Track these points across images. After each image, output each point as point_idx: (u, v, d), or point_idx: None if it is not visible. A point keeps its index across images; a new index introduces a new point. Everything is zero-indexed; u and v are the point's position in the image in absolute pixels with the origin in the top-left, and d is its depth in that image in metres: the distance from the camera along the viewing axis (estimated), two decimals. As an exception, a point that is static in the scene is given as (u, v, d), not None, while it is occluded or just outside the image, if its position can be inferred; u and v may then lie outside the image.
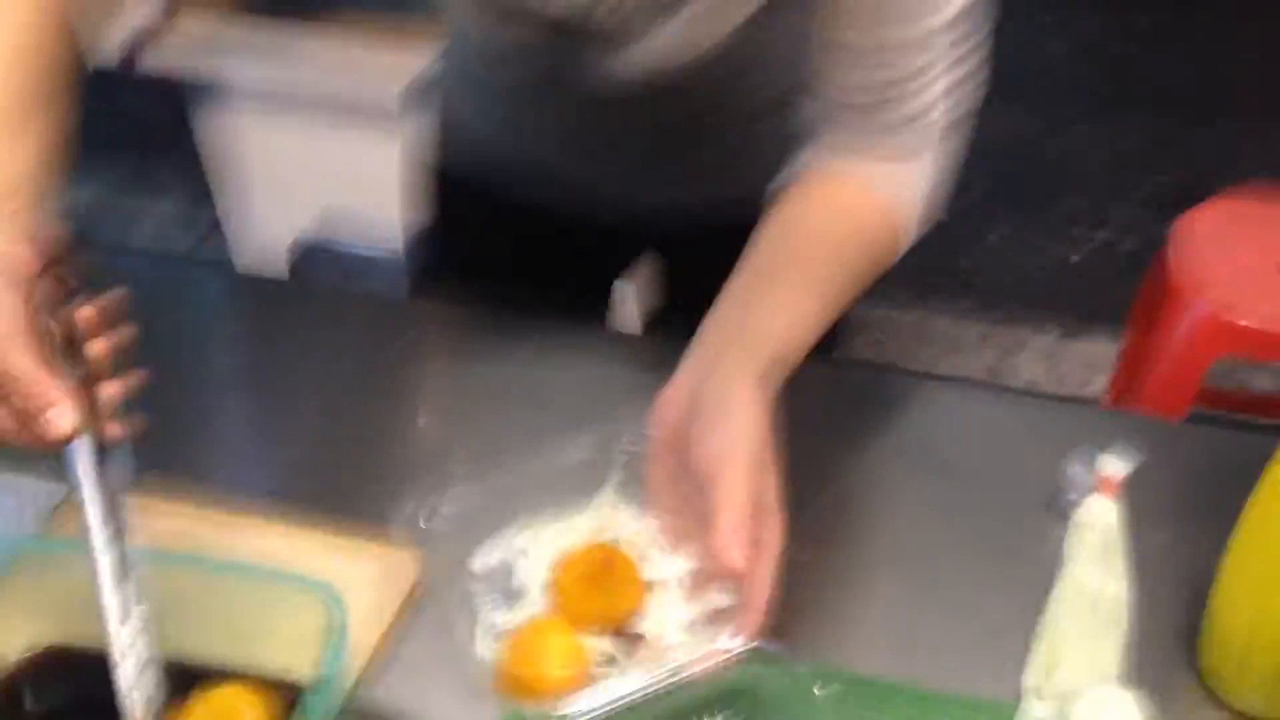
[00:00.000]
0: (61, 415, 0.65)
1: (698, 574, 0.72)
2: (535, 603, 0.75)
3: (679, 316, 0.79)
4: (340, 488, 0.89)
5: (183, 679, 0.73)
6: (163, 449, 0.92)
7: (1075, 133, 2.57)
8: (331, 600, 0.68)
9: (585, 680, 0.70)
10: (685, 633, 0.72)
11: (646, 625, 0.73)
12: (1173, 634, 0.79)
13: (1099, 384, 2.29)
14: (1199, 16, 2.36)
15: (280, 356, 1.03)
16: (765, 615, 0.68)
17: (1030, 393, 2.20)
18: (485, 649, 0.73)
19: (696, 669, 0.68)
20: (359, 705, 0.76)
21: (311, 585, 0.70)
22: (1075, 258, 2.55)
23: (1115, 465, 0.83)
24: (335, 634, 0.67)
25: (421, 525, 0.80)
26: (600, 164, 1.02)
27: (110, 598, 0.67)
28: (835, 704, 0.74)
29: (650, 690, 0.68)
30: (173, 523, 0.86)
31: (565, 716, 0.67)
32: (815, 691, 0.69)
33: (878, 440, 0.94)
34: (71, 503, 0.87)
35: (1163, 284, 1.73)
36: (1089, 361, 2.37)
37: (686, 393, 0.72)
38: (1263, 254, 1.70)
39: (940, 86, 0.80)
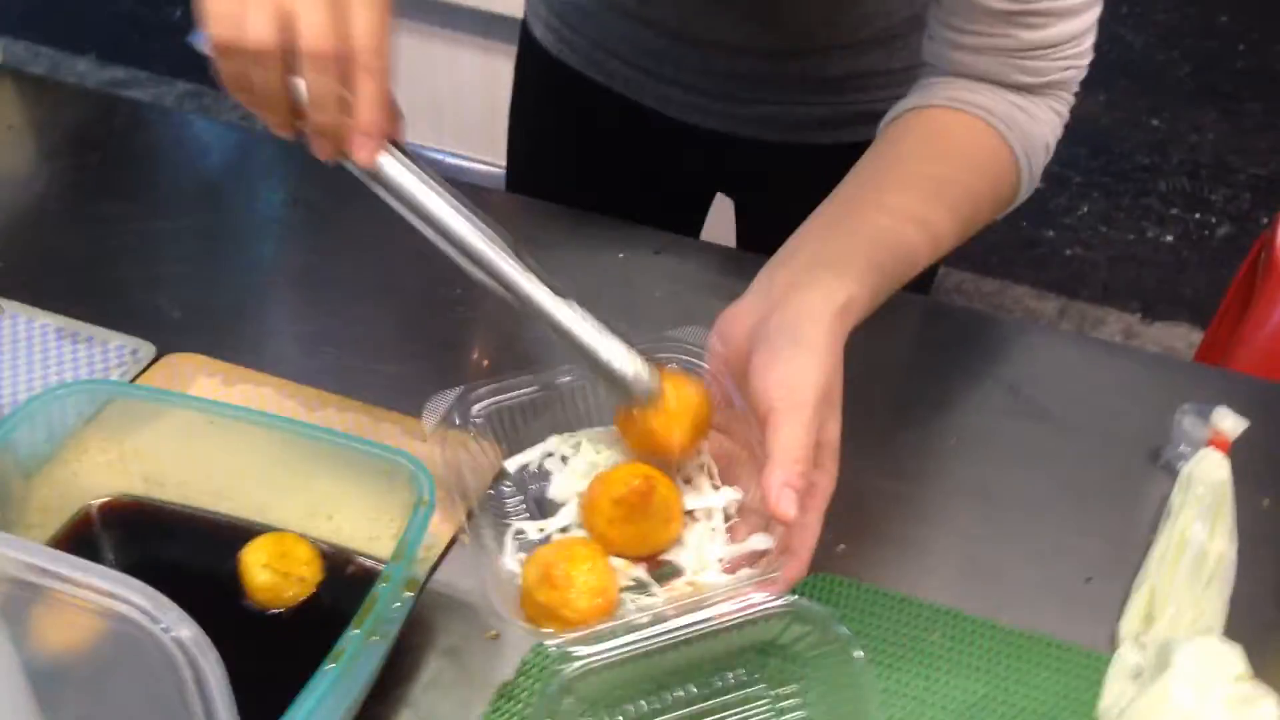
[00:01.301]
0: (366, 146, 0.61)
1: (743, 511, 0.68)
2: (567, 517, 0.70)
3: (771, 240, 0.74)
4: (405, 377, 0.88)
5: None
6: (231, 334, 0.92)
7: (1164, 118, 2.52)
8: (420, 473, 0.67)
9: (612, 610, 0.64)
10: (723, 572, 0.66)
11: (683, 557, 0.67)
12: (1273, 595, 0.76)
13: (1177, 368, 2.24)
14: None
15: (366, 243, 1.02)
16: (809, 562, 0.63)
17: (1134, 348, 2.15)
18: (513, 561, 0.67)
19: (730, 618, 0.63)
20: (433, 588, 0.75)
21: (400, 457, 0.68)
22: (1167, 238, 2.50)
23: (1230, 421, 0.80)
24: (422, 507, 0.66)
25: (473, 420, 0.74)
26: (709, 61, 0.98)
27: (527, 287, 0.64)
28: (876, 667, 0.72)
29: (677, 636, 0.63)
30: (259, 395, 0.85)
31: (583, 656, 0.62)
32: (854, 654, 0.64)
33: (974, 382, 0.92)
34: (161, 361, 0.87)
35: (1268, 263, 1.67)
36: (1167, 345, 2.32)
37: (755, 313, 0.67)
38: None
39: (1093, 14, 0.75)
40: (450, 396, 0.72)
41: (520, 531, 0.69)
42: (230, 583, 0.70)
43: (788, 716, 0.67)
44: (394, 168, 0.63)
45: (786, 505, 0.60)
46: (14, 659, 0.44)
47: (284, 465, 0.72)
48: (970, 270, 2.44)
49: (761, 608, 0.64)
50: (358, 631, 0.60)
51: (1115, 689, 0.69)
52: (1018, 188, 0.78)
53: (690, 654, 0.65)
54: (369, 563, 0.72)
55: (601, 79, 1.05)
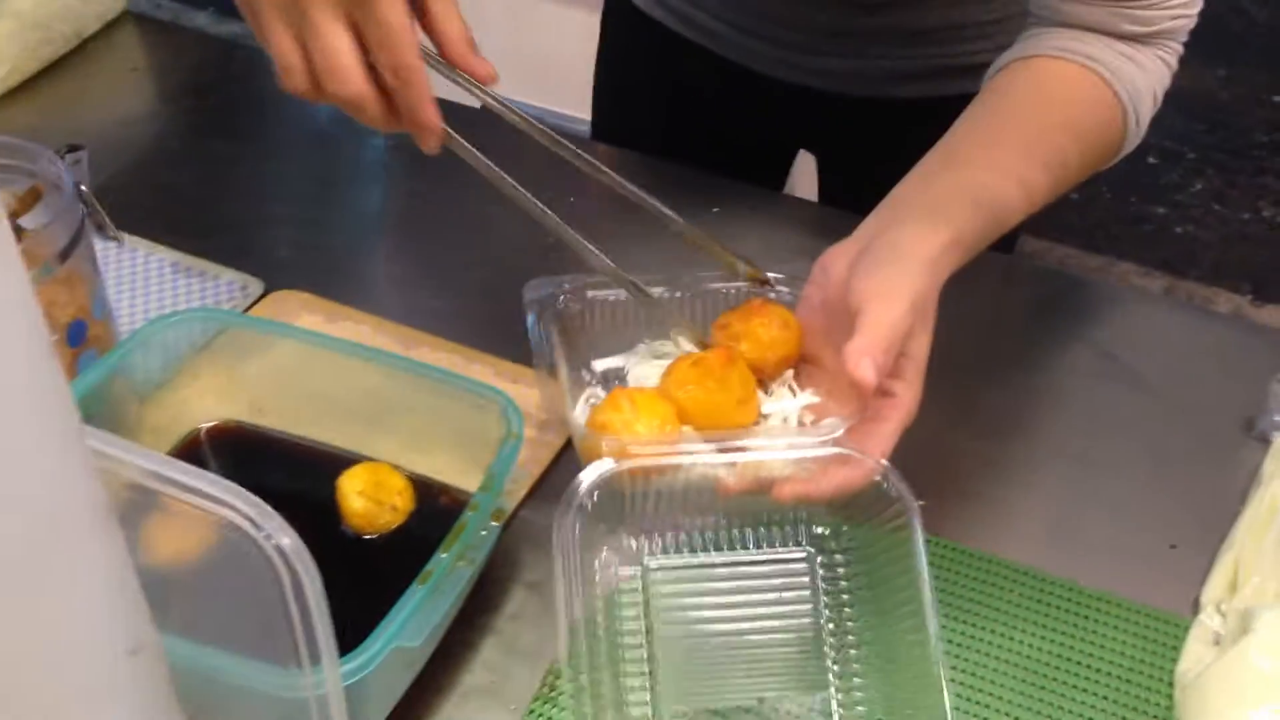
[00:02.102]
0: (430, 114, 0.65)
1: (817, 409, 0.69)
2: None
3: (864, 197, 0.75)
4: (498, 319, 0.89)
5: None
6: (333, 274, 0.95)
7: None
8: (510, 409, 0.69)
9: (671, 441, 0.64)
10: (790, 436, 0.66)
11: (751, 440, 0.67)
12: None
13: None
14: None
15: (466, 188, 1.04)
16: (880, 465, 0.64)
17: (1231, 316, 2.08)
18: (583, 415, 0.69)
19: (792, 456, 0.63)
20: (519, 523, 0.77)
21: (492, 393, 0.70)
22: (1281, 219, 2.42)
23: (1330, 393, 0.79)
24: (511, 439, 0.68)
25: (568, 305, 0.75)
26: (797, 13, 0.98)
27: None
28: (954, 622, 0.72)
29: (731, 463, 0.62)
30: (359, 332, 0.88)
31: (634, 455, 0.62)
32: (906, 522, 0.63)
33: (1067, 344, 0.91)
34: (269, 297, 0.91)
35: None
36: (1278, 328, 2.25)
37: (857, 247, 0.68)
38: None
39: None
40: (553, 282, 0.74)
41: (593, 397, 0.71)
42: (327, 508, 0.73)
43: (828, 583, 0.67)
44: (465, 154, 0.68)
45: (865, 369, 0.60)
46: (128, 561, 0.47)
47: (381, 399, 0.74)
48: (1075, 245, 2.39)
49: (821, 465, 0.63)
50: (445, 555, 0.62)
51: (1194, 653, 0.68)
52: (1124, 137, 0.78)
53: (739, 503, 0.65)
54: (459, 495, 0.75)
55: (688, 33, 1.06)
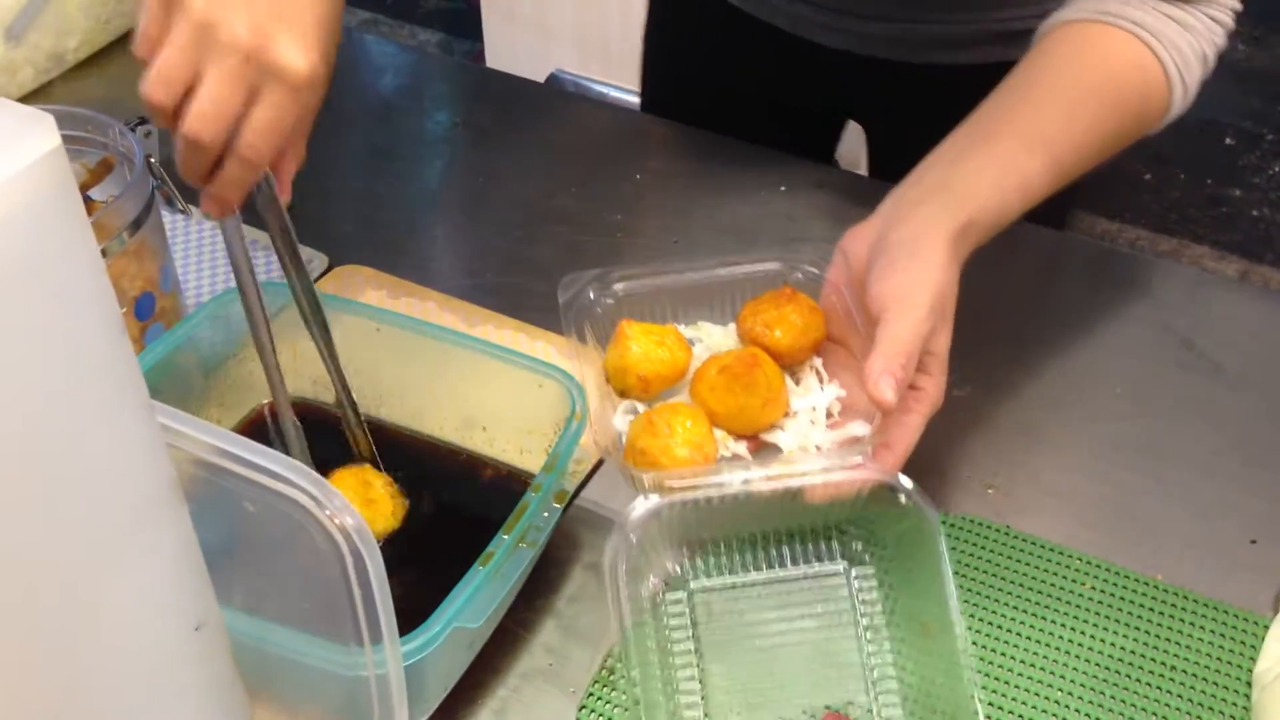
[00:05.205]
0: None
1: (845, 411, 0.69)
2: (677, 393, 0.72)
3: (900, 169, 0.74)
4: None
5: (413, 453, 0.76)
6: (397, 250, 0.95)
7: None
8: (573, 388, 0.68)
9: (708, 469, 0.66)
10: (821, 457, 0.67)
11: (783, 440, 0.69)
12: None
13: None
14: None
15: (529, 166, 1.04)
16: (903, 461, 0.64)
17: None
18: (622, 421, 0.70)
19: (821, 479, 0.64)
20: (580, 505, 0.77)
21: (555, 372, 0.70)
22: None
23: None
24: (574, 421, 0.67)
25: (604, 300, 0.76)
26: None
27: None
28: (1023, 615, 0.71)
29: (766, 484, 0.64)
30: (422, 309, 0.88)
31: (674, 490, 0.63)
32: (933, 535, 0.63)
33: (1145, 331, 0.88)
34: (333, 272, 0.91)
35: None
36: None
37: (876, 232, 0.69)
38: None
39: None
40: (586, 276, 0.74)
41: (631, 408, 0.71)
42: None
43: (863, 594, 0.68)
44: (230, 234, 0.68)
45: (884, 389, 0.61)
46: (192, 536, 0.47)
47: (443, 376, 0.74)
48: (1148, 227, 2.34)
49: (852, 476, 0.64)
50: (508, 537, 0.62)
51: (1273, 653, 0.66)
52: (1168, 103, 0.77)
53: (773, 518, 0.67)
54: (519, 474, 0.74)
55: (734, 0, 1.04)
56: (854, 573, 0.69)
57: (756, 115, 1.11)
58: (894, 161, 0.75)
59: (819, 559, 0.69)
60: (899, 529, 0.65)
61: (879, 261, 0.66)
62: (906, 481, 0.63)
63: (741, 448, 0.68)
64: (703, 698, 0.66)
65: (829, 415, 0.70)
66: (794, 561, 0.70)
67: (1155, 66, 0.75)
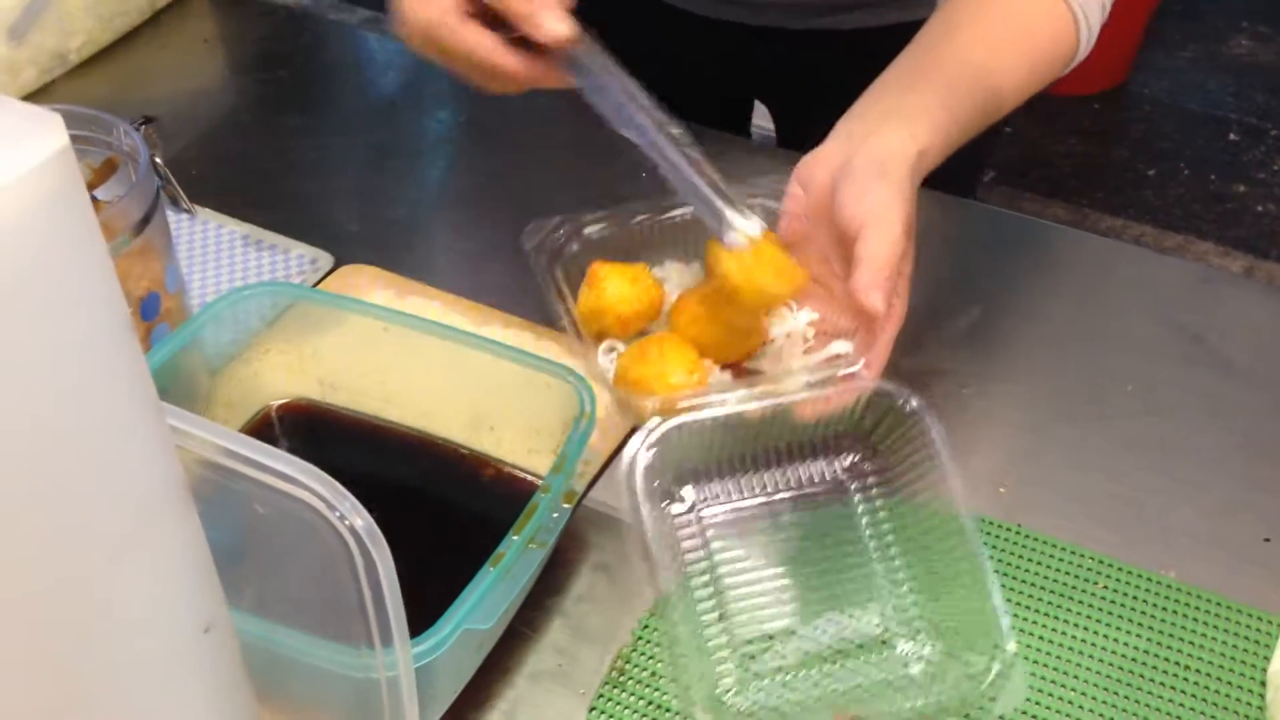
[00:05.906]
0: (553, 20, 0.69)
1: (821, 323, 0.72)
2: (658, 327, 0.74)
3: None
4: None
5: (420, 454, 0.76)
6: (403, 248, 0.94)
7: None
8: (582, 388, 0.68)
9: (702, 393, 0.67)
10: (804, 376, 0.69)
11: (765, 365, 0.71)
12: None
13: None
14: None
15: (535, 163, 1.03)
16: (883, 365, 0.67)
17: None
18: (606, 360, 0.72)
19: (813, 393, 0.67)
20: (588, 505, 0.76)
21: (563, 371, 0.69)
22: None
23: None
24: (583, 420, 0.67)
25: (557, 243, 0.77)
26: None
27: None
28: (1034, 614, 0.71)
29: (763, 402, 0.66)
30: (429, 308, 0.87)
31: (681, 413, 0.65)
32: (929, 428, 0.66)
33: (1155, 327, 0.88)
34: (338, 271, 0.90)
35: None
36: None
37: (837, 157, 0.70)
38: None
39: None
40: (549, 224, 0.77)
41: (611, 348, 0.73)
42: (396, 488, 0.72)
43: (865, 502, 0.70)
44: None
45: (875, 299, 0.64)
46: (201, 538, 0.47)
47: (451, 376, 0.74)
48: (1152, 223, 2.33)
49: (842, 384, 0.67)
50: (517, 538, 0.61)
51: (1289, 652, 0.66)
52: (1076, 47, 0.79)
53: (775, 435, 0.69)
54: (528, 475, 0.74)
55: None
56: (853, 485, 0.71)
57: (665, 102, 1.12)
58: (801, 135, 0.77)
59: (821, 478, 0.71)
60: (897, 434, 0.68)
61: (847, 185, 0.68)
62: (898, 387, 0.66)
63: (726, 377, 0.70)
64: (720, 616, 0.68)
65: (804, 340, 0.72)
66: (797, 484, 0.71)
67: (1065, 13, 0.78)
